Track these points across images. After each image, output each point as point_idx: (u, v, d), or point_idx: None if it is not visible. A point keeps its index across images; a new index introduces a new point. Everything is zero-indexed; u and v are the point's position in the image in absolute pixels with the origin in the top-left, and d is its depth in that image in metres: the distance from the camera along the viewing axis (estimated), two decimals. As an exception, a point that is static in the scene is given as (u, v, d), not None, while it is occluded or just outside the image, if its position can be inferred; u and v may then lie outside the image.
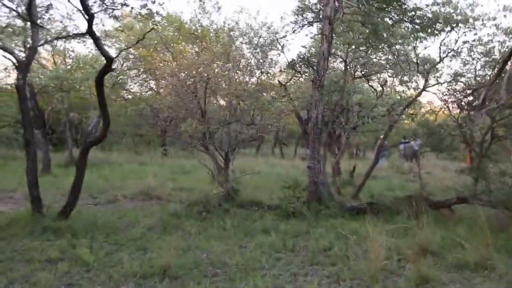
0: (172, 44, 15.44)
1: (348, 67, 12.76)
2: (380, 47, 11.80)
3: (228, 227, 9.01)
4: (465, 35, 12.25)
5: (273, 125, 13.93)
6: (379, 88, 15.29)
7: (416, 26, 10.76)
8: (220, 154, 12.15)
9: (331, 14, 9.82)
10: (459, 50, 12.53)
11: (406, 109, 13.43)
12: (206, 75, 12.84)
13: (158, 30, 15.13)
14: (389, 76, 14.56)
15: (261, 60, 14.03)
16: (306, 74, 12.53)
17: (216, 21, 14.54)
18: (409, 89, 14.78)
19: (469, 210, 10.45)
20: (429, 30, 10.97)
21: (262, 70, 13.99)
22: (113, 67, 9.43)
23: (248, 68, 13.87)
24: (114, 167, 19.59)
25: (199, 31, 15.06)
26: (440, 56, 12.50)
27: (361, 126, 15.39)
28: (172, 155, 25.10)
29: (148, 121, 22.40)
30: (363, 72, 13.87)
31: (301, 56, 12.21)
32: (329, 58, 10.35)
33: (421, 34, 11.22)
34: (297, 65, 12.19)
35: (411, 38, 11.34)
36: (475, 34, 12.35)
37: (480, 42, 12.46)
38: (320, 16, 10.86)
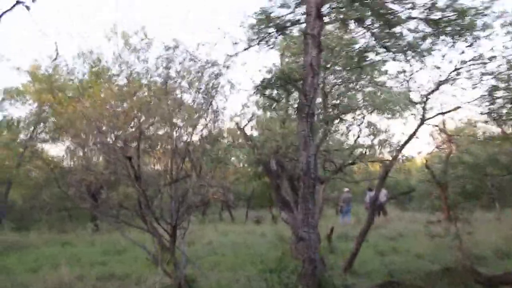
0: (91, 91, 11.53)
1: (327, 98, 9.36)
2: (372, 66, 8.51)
3: None
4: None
5: (229, 184, 10.21)
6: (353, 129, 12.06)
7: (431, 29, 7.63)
8: (164, 228, 8.08)
9: (321, 2, 6.48)
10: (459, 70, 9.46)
11: (402, 150, 10.12)
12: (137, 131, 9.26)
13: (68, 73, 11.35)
14: (369, 112, 11.30)
15: (204, 107, 10.48)
16: (279, 101, 8.75)
17: (147, 60, 10.88)
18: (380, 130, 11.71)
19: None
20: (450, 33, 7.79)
21: (206, 120, 10.45)
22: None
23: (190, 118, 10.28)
24: (27, 253, 14.92)
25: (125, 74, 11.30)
26: (439, 80, 9.39)
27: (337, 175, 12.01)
28: (105, 230, 20.51)
29: (74, 192, 17.93)
30: (338, 109, 10.50)
31: (277, 73, 8.38)
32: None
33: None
34: (272, 87, 8.29)
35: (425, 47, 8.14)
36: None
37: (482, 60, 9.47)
38: (301, 12, 7.37)
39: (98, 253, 14.45)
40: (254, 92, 8.12)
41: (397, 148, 11.78)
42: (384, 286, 6.96)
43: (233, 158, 10.75)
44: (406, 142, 9.80)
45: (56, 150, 19.63)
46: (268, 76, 7.95)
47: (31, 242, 17.33)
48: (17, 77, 23.77)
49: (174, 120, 8.75)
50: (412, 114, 12.58)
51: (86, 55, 11.01)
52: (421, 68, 9.51)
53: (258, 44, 7.41)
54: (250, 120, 9.78)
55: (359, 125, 11.86)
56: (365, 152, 12.49)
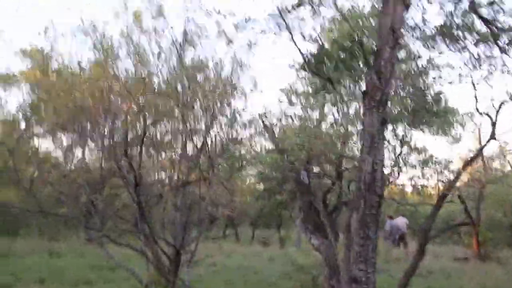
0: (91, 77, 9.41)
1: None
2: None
3: None
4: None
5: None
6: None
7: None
8: (163, 251, 5.93)
9: None
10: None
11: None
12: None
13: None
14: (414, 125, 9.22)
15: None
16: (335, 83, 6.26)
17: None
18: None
19: None
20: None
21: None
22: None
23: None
24: (7, 262, 12.85)
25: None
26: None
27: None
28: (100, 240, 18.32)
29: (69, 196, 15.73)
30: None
31: (340, 39, 5.81)
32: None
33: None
34: (330, 60, 5.71)
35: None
36: None
37: None
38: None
39: (86, 268, 12.35)
40: (301, 67, 5.90)
41: (445, 169, 9.75)
42: None
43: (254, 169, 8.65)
44: (470, 161, 7.72)
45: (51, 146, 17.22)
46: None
47: (16, 250, 15.23)
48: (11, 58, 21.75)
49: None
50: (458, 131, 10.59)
51: (88, 31, 8.85)
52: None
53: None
54: (279, 120, 7.73)
55: (401, 140, 9.74)
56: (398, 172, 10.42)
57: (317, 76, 5.43)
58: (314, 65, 5.17)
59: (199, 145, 7.12)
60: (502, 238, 15.75)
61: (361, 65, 5.31)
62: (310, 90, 7.70)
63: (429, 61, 6.99)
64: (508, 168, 17.88)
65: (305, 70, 5.74)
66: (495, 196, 16.17)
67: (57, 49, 8.89)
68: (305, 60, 5.11)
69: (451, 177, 8.15)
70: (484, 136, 12.45)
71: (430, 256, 17.32)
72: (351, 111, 9.29)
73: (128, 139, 7.58)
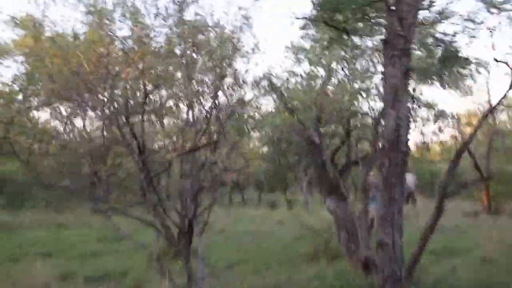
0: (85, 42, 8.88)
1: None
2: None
3: None
4: None
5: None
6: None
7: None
8: (173, 222, 5.60)
9: None
10: None
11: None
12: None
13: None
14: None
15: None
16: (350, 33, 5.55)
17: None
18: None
19: None
20: None
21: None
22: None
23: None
24: (15, 236, 12.64)
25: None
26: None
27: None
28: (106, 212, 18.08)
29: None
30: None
31: None
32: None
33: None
34: (345, 8, 4.97)
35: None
36: None
37: None
38: None
39: (93, 240, 12.15)
40: (314, 18, 5.28)
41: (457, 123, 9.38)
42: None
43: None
44: (487, 115, 7.31)
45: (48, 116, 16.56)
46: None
47: (21, 222, 15.03)
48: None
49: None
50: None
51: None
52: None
53: None
54: (286, 79, 7.27)
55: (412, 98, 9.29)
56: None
57: (331, 27, 4.92)
58: (327, 16, 4.68)
59: (206, 108, 6.74)
60: (512, 191, 15.45)
61: (378, 13, 4.80)
62: (317, 47, 7.23)
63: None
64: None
65: (318, 21, 5.20)
66: (505, 148, 15.80)
67: (49, 15, 8.31)
68: (317, 10, 4.63)
69: (465, 132, 7.77)
70: (495, 88, 12.02)
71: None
72: (358, 67, 8.83)
73: (129, 106, 7.21)
